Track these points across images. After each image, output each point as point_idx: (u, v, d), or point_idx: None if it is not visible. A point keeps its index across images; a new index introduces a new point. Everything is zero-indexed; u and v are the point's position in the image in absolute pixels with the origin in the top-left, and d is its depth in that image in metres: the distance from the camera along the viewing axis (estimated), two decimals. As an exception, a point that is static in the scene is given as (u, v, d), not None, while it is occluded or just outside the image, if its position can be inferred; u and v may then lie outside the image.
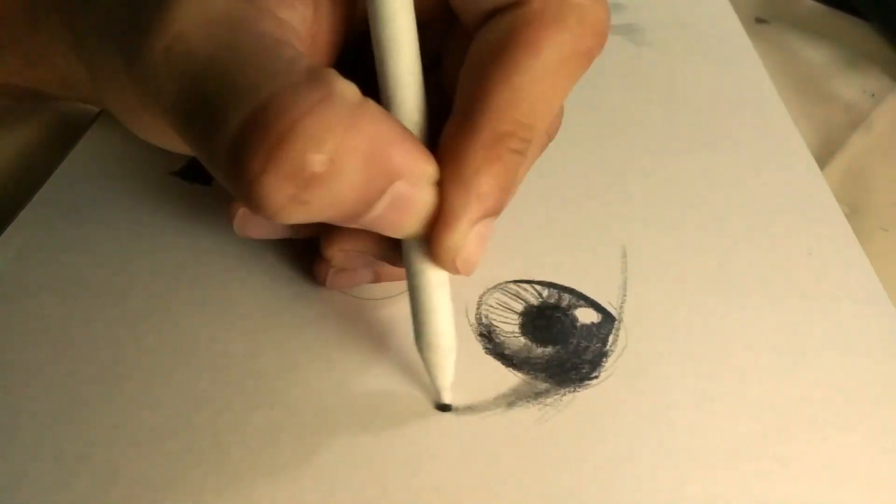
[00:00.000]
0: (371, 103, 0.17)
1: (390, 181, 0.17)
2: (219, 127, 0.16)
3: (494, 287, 0.25)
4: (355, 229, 0.19)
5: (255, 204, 0.16)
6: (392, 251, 0.21)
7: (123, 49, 0.19)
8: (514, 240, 0.26)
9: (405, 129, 0.18)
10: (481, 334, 0.23)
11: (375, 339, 0.23)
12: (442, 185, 0.18)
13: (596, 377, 0.22)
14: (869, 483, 0.21)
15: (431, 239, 0.19)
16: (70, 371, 0.21)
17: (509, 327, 0.23)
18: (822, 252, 0.27)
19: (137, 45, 0.18)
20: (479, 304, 0.24)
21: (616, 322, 0.24)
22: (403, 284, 0.24)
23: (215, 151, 0.16)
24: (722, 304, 0.25)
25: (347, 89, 0.16)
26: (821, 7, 0.43)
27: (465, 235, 0.18)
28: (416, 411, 0.21)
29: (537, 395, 0.22)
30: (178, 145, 0.21)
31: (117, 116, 0.22)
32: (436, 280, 0.20)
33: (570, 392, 0.22)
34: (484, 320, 0.24)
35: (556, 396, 0.22)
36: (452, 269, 0.19)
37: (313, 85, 0.16)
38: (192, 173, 0.27)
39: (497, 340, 0.23)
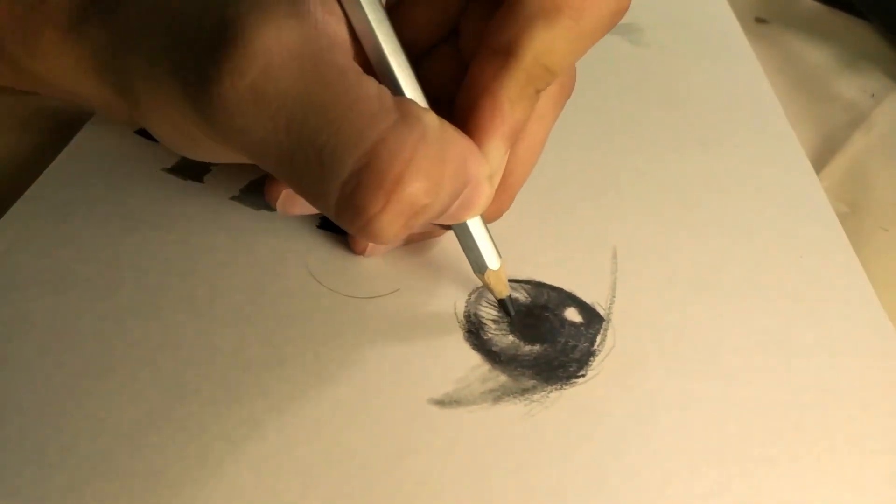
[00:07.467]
0: (447, 125, 0.19)
1: (465, 187, 0.19)
2: (330, 167, 0.17)
3: (484, 285, 0.24)
4: None
5: (369, 235, 0.18)
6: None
7: (185, 82, 0.19)
8: (505, 238, 0.26)
9: (467, 137, 0.20)
10: (469, 331, 0.23)
11: (361, 334, 0.23)
12: (475, 110, 0.20)
13: (583, 375, 0.22)
14: (855, 484, 0.21)
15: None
16: (57, 364, 0.21)
17: (497, 325, 0.23)
18: (814, 254, 0.27)
19: (209, 79, 0.18)
20: (468, 302, 0.24)
21: (604, 322, 0.24)
22: (391, 285, 0.24)
23: (325, 189, 0.18)
24: (711, 306, 0.25)
25: (431, 119, 0.18)
26: (821, 7, 0.42)
27: (501, 156, 0.21)
28: (402, 406, 0.21)
29: (524, 391, 0.22)
30: (225, 159, 0.22)
31: (159, 136, 0.22)
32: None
33: (556, 389, 0.22)
34: (472, 318, 0.23)
35: (542, 393, 0.22)
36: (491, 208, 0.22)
37: (409, 123, 0.17)
38: (184, 170, 0.27)
39: (485, 337, 0.23)
